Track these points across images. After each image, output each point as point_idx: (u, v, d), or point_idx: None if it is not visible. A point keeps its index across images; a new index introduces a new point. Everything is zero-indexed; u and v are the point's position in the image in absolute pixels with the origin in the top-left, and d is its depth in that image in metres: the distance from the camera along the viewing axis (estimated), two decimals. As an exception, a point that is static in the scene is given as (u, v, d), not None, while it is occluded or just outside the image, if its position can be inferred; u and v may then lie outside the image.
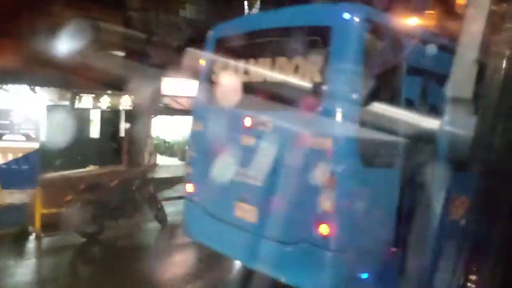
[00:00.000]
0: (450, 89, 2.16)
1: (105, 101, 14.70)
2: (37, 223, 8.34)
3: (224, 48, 5.65)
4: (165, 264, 7.61)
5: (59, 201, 8.44)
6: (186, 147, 19.40)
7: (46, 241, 8.31)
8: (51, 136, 13.48)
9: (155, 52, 14.01)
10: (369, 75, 4.21)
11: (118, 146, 15.29)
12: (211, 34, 5.99)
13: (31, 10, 12.09)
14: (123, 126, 15.68)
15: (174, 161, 19.03)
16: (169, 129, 19.56)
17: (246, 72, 5.27)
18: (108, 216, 8.47)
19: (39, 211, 8.34)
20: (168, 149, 19.77)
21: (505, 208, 2.15)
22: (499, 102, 1.89)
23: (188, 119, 19.73)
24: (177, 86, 17.49)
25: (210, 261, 7.33)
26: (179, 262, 7.75)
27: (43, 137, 13.01)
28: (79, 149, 13.35)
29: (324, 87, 4.40)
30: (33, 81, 12.40)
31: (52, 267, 7.39)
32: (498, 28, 1.74)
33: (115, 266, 7.25)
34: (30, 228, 8.42)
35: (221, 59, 5.63)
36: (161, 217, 9.29)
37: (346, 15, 4.47)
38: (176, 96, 17.32)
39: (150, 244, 8.88)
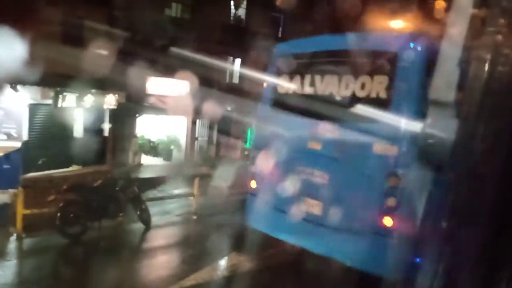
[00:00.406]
0: (432, 92, 2.19)
1: (89, 100, 14.55)
2: (19, 223, 8.21)
3: (288, 63, 6.37)
4: (149, 265, 7.57)
5: (42, 201, 8.33)
6: (172, 147, 19.43)
7: (27, 242, 8.19)
8: (33, 135, 13.31)
9: (140, 51, 13.94)
10: (427, 93, 4.86)
11: (102, 146, 15.15)
12: (276, 49, 6.75)
13: (15, 8, 11.92)
14: (107, 126, 15.55)
15: (159, 161, 18.92)
16: (154, 128, 19.44)
17: (310, 86, 6.00)
18: (91, 216, 8.37)
19: (21, 211, 8.21)
20: (153, 149, 19.64)
21: (485, 212, 2.17)
22: (480, 106, 1.90)
23: (173, 119, 19.63)
24: (163, 85, 17.43)
25: (194, 262, 7.32)
26: (163, 263, 7.70)
27: (25, 136, 12.83)
28: (62, 149, 13.21)
29: (390, 102, 5.16)
30: (15, 79, 12.24)
31: (33, 269, 7.28)
32: (480, 32, 1.76)
33: (98, 267, 7.17)
34: (11, 229, 8.29)
35: (285, 73, 6.37)
36: (145, 217, 9.21)
37: (411, 44, 5.23)
38: (161, 95, 17.25)
39: (134, 245, 8.80)
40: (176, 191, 13.49)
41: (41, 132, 13.75)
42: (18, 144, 10.76)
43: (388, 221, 5.03)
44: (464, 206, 2.23)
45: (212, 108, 17.71)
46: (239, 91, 19.04)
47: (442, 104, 2.24)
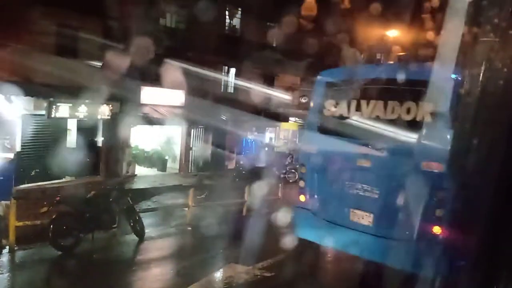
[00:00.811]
0: (427, 104, 2.20)
1: (83, 110, 14.51)
2: (11, 236, 8.11)
3: (332, 88, 7.03)
4: (143, 278, 7.49)
5: (34, 213, 8.25)
6: (166, 157, 19.38)
7: (20, 254, 8.08)
8: (26, 146, 13.23)
9: (135, 61, 13.94)
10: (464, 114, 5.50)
11: (95, 156, 15.07)
12: (321, 76, 7.34)
13: (9, 18, 11.92)
14: (101, 136, 15.49)
15: (153, 171, 18.84)
16: (148, 138, 19.39)
17: (356, 110, 6.55)
18: (84, 228, 8.30)
19: (13, 223, 8.11)
20: (147, 159, 19.57)
21: (481, 221, 2.18)
22: (475, 116, 1.91)
23: (168, 128, 19.58)
24: (157, 95, 17.43)
25: (189, 274, 7.26)
26: (157, 275, 7.63)
27: (18, 147, 12.75)
28: (55, 160, 13.13)
29: (435, 124, 5.40)
30: (9, 90, 12.20)
31: (26, 282, 7.21)
32: (474, 43, 1.77)
33: (91, 280, 7.09)
34: (4, 241, 8.18)
35: (329, 97, 6.94)
36: (138, 229, 9.13)
37: (452, 75, 5.75)
38: (156, 105, 17.24)
39: (127, 257, 8.72)
40: (170, 202, 13.42)
41: (34, 143, 13.68)
42: (10, 155, 10.70)
43: (437, 230, 5.47)
44: (462, 213, 2.24)
45: (207, 117, 17.71)
46: (234, 100, 19.06)
47: (438, 114, 2.26)
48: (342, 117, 6.75)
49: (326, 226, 6.61)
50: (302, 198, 7.19)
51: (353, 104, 6.60)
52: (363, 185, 6.26)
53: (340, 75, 7.39)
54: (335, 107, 6.84)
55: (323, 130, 6.92)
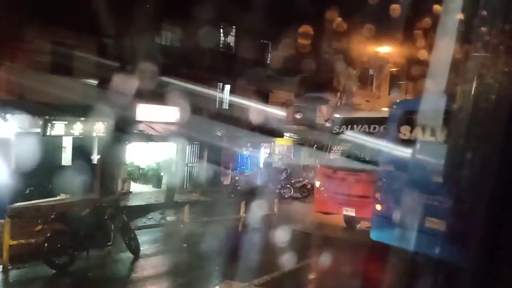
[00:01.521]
0: (421, 119, 2.23)
1: (78, 128, 14.48)
2: (5, 254, 8.03)
3: (407, 116, 8.11)
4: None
5: (29, 231, 8.19)
6: (161, 174, 19.33)
7: (14, 273, 8.00)
8: (21, 164, 13.16)
9: (130, 79, 13.99)
10: None
11: (90, 174, 15.01)
12: (397, 105, 9.05)
13: (4, 36, 11.98)
14: (96, 153, 15.44)
15: (149, 188, 18.76)
16: (143, 155, 19.35)
17: (431, 134, 7.28)
18: (79, 246, 8.24)
19: (7, 242, 8.04)
20: (142, 176, 19.49)
21: (477, 236, 2.19)
22: (468, 131, 1.93)
23: (164, 145, 19.55)
24: (152, 112, 17.45)
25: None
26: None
27: (13, 166, 12.68)
28: (50, 178, 13.06)
29: None
30: (4, 108, 12.20)
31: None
32: (466, 58, 1.80)
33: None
34: (-3, 260, 8.12)
35: (404, 123, 8.11)
36: (134, 246, 9.07)
37: None
38: (151, 122, 17.25)
39: (122, 275, 8.65)
40: (166, 219, 13.36)
41: (29, 161, 13.60)
42: (5, 174, 10.63)
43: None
44: (457, 230, 2.24)
45: (202, 134, 17.73)
46: (229, 117, 19.12)
47: (431, 129, 2.30)
48: (416, 140, 7.69)
49: (401, 230, 7.39)
50: (378, 207, 8.44)
51: (428, 129, 7.38)
52: (438, 197, 6.93)
53: (414, 105, 8.40)
54: (410, 132, 7.96)
55: (400, 151, 7.94)
